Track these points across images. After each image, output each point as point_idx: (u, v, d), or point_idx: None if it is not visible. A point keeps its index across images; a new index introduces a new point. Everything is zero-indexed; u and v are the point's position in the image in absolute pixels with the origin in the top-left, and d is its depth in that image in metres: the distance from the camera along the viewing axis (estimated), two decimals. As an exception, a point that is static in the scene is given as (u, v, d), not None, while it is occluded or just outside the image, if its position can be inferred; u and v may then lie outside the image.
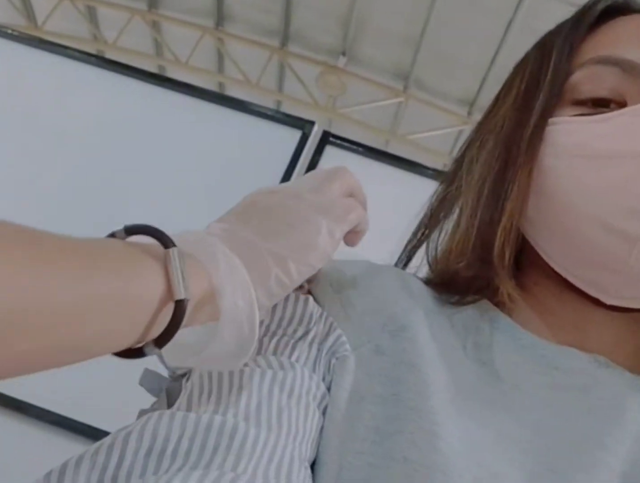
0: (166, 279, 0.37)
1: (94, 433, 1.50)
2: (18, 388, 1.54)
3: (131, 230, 0.40)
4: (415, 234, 0.58)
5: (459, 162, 0.57)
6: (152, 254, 0.38)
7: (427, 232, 0.57)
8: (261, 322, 0.43)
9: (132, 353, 0.39)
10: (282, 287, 0.43)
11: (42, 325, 0.32)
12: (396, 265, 0.59)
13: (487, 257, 0.49)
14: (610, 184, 0.45)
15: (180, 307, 0.37)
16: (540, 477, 0.42)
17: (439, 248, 0.55)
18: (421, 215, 0.59)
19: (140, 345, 0.39)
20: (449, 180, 0.57)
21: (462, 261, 0.50)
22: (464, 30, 4.27)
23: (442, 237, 0.56)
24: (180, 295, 0.37)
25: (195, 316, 0.40)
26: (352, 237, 0.49)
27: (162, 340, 0.38)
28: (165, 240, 0.38)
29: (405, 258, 0.59)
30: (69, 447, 1.52)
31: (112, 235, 0.40)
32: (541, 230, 0.50)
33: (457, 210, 0.54)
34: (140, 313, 0.37)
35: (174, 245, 0.38)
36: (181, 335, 0.39)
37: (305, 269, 0.44)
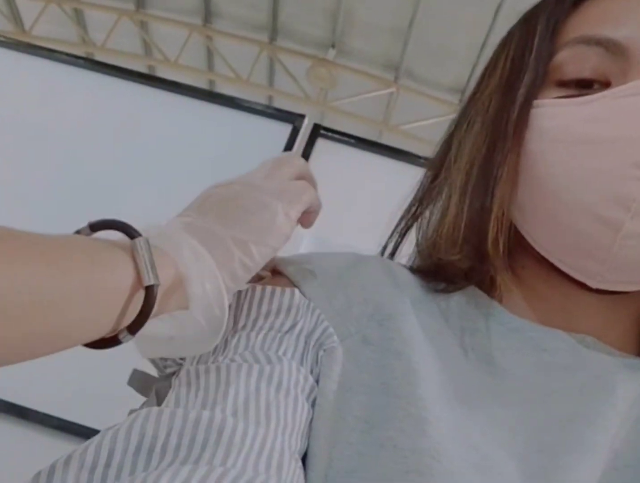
0: (135, 268, 0.39)
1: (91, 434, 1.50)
2: (20, 394, 1.54)
3: (96, 226, 0.42)
4: (403, 217, 0.58)
5: (446, 143, 0.56)
6: (120, 246, 0.40)
7: (416, 214, 0.57)
8: (230, 306, 0.45)
9: (107, 342, 0.40)
10: (245, 269, 0.45)
11: (19, 315, 0.33)
12: (383, 251, 0.59)
13: (482, 248, 0.49)
14: (593, 170, 0.45)
15: (150, 293, 0.39)
16: (530, 458, 0.42)
17: (428, 234, 0.55)
18: (409, 199, 0.59)
19: (114, 333, 0.40)
20: (437, 163, 0.57)
21: (456, 253, 0.50)
22: (452, 19, 4.27)
23: (431, 221, 0.55)
24: (149, 281, 0.39)
25: (165, 304, 0.41)
26: (307, 217, 0.52)
27: (135, 326, 0.40)
28: (131, 232, 0.40)
29: (393, 245, 0.59)
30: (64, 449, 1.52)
31: (77, 232, 0.42)
32: (527, 214, 0.50)
33: (444, 194, 0.54)
34: (113, 302, 0.38)
35: (140, 236, 0.40)
36: (152, 325, 0.41)
37: (266, 250, 0.46)
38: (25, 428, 1.56)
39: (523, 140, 0.48)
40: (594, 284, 0.47)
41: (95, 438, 0.37)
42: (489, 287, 0.52)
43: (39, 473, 0.35)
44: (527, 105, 0.49)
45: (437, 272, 0.53)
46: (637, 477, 0.42)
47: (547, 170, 0.47)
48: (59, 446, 1.54)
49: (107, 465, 0.35)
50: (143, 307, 0.40)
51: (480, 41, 4.32)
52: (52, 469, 0.35)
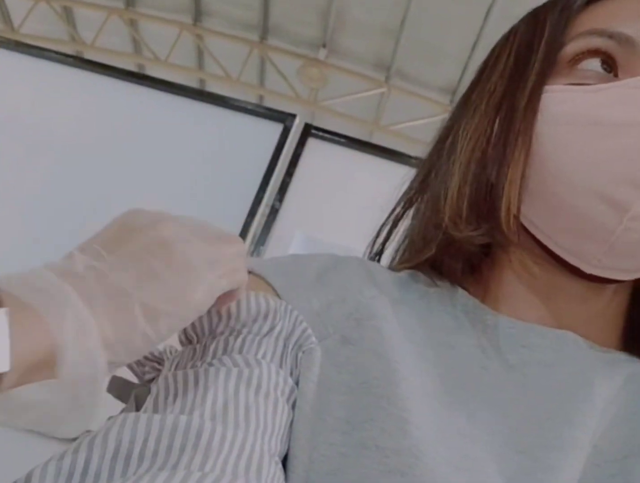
0: None
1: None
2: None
3: None
4: (397, 205, 0.59)
5: (443, 133, 0.57)
6: None
7: (411, 202, 0.58)
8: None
9: None
10: (147, 343, 0.39)
11: None
12: (373, 243, 0.60)
13: (497, 226, 0.49)
14: (603, 153, 0.45)
15: None
16: (510, 459, 0.42)
17: (427, 220, 0.55)
18: (401, 191, 0.59)
19: None
20: (436, 151, 0.57)
21: (472, 229, 0.50)
22: (443, 19, 4.27)
23: (431, 206, 0.55)
24: (4, 368, 0.32)
25: (31, 376, 0.34)
26: (225, 298, 0.44)
27: None
28: None
29: (384, 236, 0.59)
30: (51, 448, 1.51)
31: None
32: (528, 197, 0.50)
33: (446, 174, 0.53)
34: None
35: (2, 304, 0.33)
36: (15, 391, 0.34)
37: (177, 324, 0.40)
38: (16, 432, 1.55)
39: (533, 124, 0.49)
40: (588, 269, 0.48)
41: (72, 445, 0.36)
42: (470, 284, 0.53)
43: (15, 482, 0.34)
44: (537, 90, 0.49)
45: (431, 260, 0.53)
46: (619, 472, 0.42)
47: (556, 152, 0.47)
48: (44, 451, 1.53)
49: (85, 472, 0.35)
50: None
51: (472, 42, 4.33)
52: (28, 478, 0.35)
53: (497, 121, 0.51)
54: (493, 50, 0.56)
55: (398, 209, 0.59)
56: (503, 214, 0.49)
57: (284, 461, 0.42)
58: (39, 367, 0.34)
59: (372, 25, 4.60)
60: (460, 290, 0.52)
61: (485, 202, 0.50)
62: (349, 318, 0.48)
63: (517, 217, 0.49)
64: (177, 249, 0.40)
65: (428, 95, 4.99)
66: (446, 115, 0.59)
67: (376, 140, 4.89)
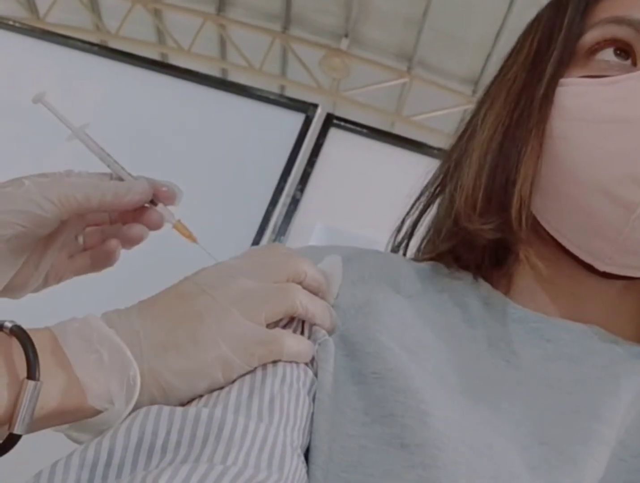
0: (12, 405, 0.37)
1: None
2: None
3: (15, 333, 0.39)
4: (422, 195, 0.59)
5: (467, 125, 0.56)
6: (12, 372, 0.38)
7: (435, 193, 0.58)
8: None
9: None
10: (154, 401, 0.41)
11: None
12: (397, 233, 0.59)
13: (507, 221, 0.49)
14: (613, 150, 0.44)
15: (11, 440, 0.37)
16: (533, 450, 0.42)
17: (446, 211, 0.55)
18: (425, 183, 0.59)
19: None
20: (457, 142, 0.56)
21: (484, 222, 0.49)
22: (466, 8, 4.23)
23: (449, 197, 0.55)
24: (16, 430, 0.37)
25: (67, 413, 0.40)
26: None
27: None
28: (31, 367, 0.37)
29: (410, 224, 0.59)
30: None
31: (0, 326, 0.40)
32: (541, 192, 0.49)
33: (464, 168, 0.53)
34: None
35: (36, 376, 0.37)
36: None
37: (184, 395, 0.42)
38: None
39: (547, 118, 0.48)
40: (602, 267, 0.47)
41: (96, 438, 0.37)
42: (494, 277, 0.52)
43: (39, 473, 0.35)
44: (553, 83, 0.49)
45: (449, 253, 0.53)
46: None
47: (567, 148, 0.47)
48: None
49: (108, 464, 0.35)
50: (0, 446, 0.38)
51: (495, 31, 4.29)
52: (53, 468, 0.35)
53: (515, 113, 0.50)
54: (517, 40, 0.55)
55: (422, 199, 0.59)
56: (514, 210, 0.48)
57: (306, 453, 0.42)
58: (65, 413, 0.39)
59: (394, 15, 4.57)
60: (484, 283, 0.52)
61: (499, 196, 0.49)
62: (357, 311, 0.48)
63: (528, 214, 0.49)
64: (204, 322, 0.42)
65: (450, 85, 4.96)
66: (469, 106, 0.58)
67: (398, 130, 4.87)
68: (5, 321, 0.40)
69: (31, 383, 0.37)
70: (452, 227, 0.52)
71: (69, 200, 0.48)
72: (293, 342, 0.44)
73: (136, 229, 0.54)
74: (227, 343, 0.41)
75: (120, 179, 0.54)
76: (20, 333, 0.39)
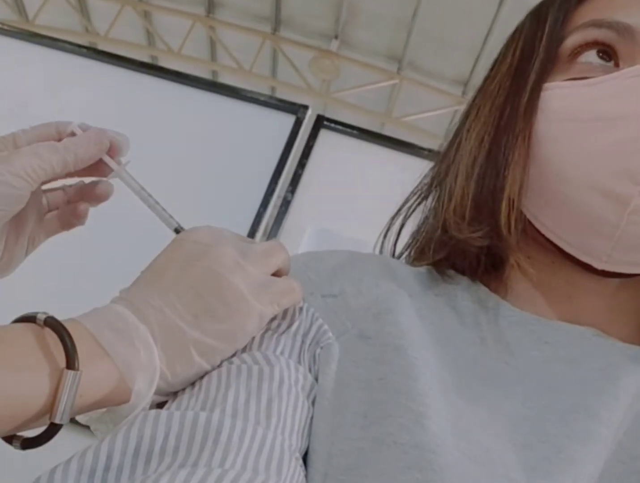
0: (53, 395, 0.38)
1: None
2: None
3: (49, 324, 0.40)
4: (407, 201, 0.59)
5: (454, 133, 0.57)
6: (51, 362, 0.39)
7: (422, 197, 0.58)
8: None
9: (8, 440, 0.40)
10: (201, 373, 0.43)
11: None
12: (385, 235, 0.60)
13: (496, 228, 0.49)
14: (602, 147, 0.45)
15: (52, 429, 0.39)
16: (532, 449, 0.42)
17: (436, 216, 0.55)
18: (414, 187, 0.59)
19: (7, 435, 0.39)
20: (445, 151, 0.57)
21: (472, 231, 0.50)
22: (455, 10, 4.25)
23: (438, 204, 0.55)
24: (56, 420, 0.38)
25: (102, 402, 0.41)
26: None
27: (27, 446, 0.40)
28: (70, 357, 0.38)
29: (399, 228, 0.59)
30: (79, 441, 1.52)
31: (33, 317, 0.41)
32: (535, 196, 0.49)
33: (452, 176, 0.53)
34: (17, 418, 0.37)
35: (75, 365, 0.38)
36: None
37: (229, 354, 0.44)
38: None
39: (533, 123, 0.49)
40: (600, 265, 0.47)
41: (94, 443, 0.37)
42: (492, 281, 0.52)
43: (38, 478, 0.35)
44: (537, 89, 0.49)
45: (446, 259, 0.53)
46: None
47: (556, 149, 0.47)
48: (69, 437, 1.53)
49: (107, 468, 0.35)
50: (41, 437, 0.39)
51: (484, 33, 4.30)
52: (51, 475, 0.35)
53: (501, 121, 0.51)
54: (501, 50, 0.56)
55: (410, 203, 0.59)
56: (503, 216, 0.48)
57: (304, 457, 0.42)
58: (103, 401, 0.40)
59: (384, 16, 4.58)
60: (482, 287, 0.52)
61: (488, 203, 0.49)
62: (366, 312, 0.48)
63: (518, 220, 0.49)
64: (228, 281, 0.43)
65: (440, 86, 4.97)
66: (459, 107, 0.59)
67: (388, 131, 4.88)
68: (37, 313, 0.41)
69: (71, 373, 0.38)
70: (442, 237, 0.52)
71: (36, 172, 0.48)
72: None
73: (102, 185, 0.56)
74: (255, 297, 0.43)
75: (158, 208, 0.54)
76: (55, 324, 0.39)
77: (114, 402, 0.41)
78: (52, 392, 0.38)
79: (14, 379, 0.37)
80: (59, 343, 0.39)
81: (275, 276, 0.47)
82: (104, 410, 0.42)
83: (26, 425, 0.38)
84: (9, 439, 0.40)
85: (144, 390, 0.41)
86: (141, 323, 0.41)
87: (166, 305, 0.42)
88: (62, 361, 0.38)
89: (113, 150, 0.54)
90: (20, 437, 0.40)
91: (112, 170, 0.54)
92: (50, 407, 0.38)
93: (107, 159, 0.54)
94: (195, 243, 0.45)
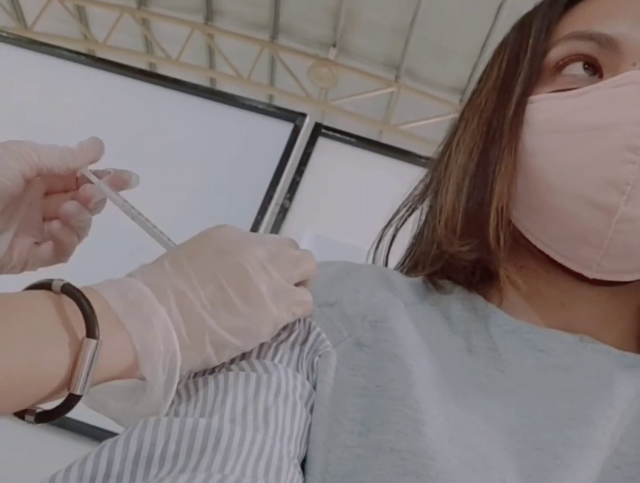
0: (72, 364, 0.37)
1: (101, 435, 1.49)
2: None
3: (67, 291, 0.39)
4: (398, 212, 0.59)
5: (444, 145, 0.57)
6: (70, 331, 0.38)
7: (412, 208, 0.58)
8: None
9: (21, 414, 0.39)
10: (207, 365, 0.43)
11: None
12: (378, 243, 0.60)
13: (484, 241, 0.49)
14: (587, 157, 0.45)
15: (71, 400, 0.38)
16: (528, 456, 0.42)
17: (428, 229, 0.56)
18: (406, 196, 0.59)
19: (21, 409, 0.38)
20: (435, 164, 0.57)
21: (462, 244, 0.50)
22: (453, 18, 4.26)
23: (430, 216, 0.56)
24: (76, 391, 0.37)
25: (117, 377, 0.40)
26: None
27: (43, 419, 0.39)
28: (91, 325, 0.38)
29: (390, 236, 0.60)
30: (76, 449, 1.51)
31: (49, 284, 0.40)
32: (524, 208, 0.50)
33: (442, 189, 0.54)
34: (41, 390, 0.37)
35: (96, 334, 0.37)
36: (105, 385, 0.40)
37: (238, 353, 0.44)
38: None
39: (519, 136, 0.49)
40: (590, 274, 0.48)
41: (95, 449, 0.37)
42: (487, 290, 0.53)
43: None
44: (522, 102, 0.50)
45: (441, 270, 0.53)
46: (639, 474, 0.42)
47: (543, 161, 0.48)
48: (64, 443, 1.53)
49: (107, 475, 0.35)
50: (59, 408, 0.38)
51: (482, 41, 4.32)
52: (51, 481, 0.35)
53: (488, 135, 0.51)
54: (488, 62, 0.56)
55: (401, 214, 0.60)
56: (491, 228, 0.49)
57: (302, 463, 0.42)
58: (125, 370, 0.40)
59: (382, 24, 4.59)
60: (477, 297, 0.52)
61: (477, 216, 0.50)
62: (363, 320, 0.48)
63: (506, 233, 0.49)
64: (252, 280, 0.43)
65: (438, 94, 4.98)
66: (456, 115, 0.59)
67: (386, 139, 4.89)
68: (52, 279, 0.40)
69: (92, 342, 0.37)
70: (436, 251, 0.53)
71: (29, 154, 0.50)
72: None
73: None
74: (274, 302, 0.44)
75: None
76: (74, 292, 0.39)
77: (129, 375, 0.40)
78: (71, 362, 0.37)
79: (36, 349, 0.36)
80: (77, 312, 0.38)
81: (297, 285, 0.47)
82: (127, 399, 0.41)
83: (46, 398, 0.37)
84: (21, 414, 0.39)
85: (159, 372, 0.40)
86: (160, 304, 0.41)
87: (190, 290, 0.42)
88: (80, 330, 0.38)
89: (121, 183, 0.56)
90: (33, 411, 0.39)
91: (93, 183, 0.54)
92: (69, 377, 0.37)
93: (86, 172, 0.54)
94: (227, 240, 0.45)
